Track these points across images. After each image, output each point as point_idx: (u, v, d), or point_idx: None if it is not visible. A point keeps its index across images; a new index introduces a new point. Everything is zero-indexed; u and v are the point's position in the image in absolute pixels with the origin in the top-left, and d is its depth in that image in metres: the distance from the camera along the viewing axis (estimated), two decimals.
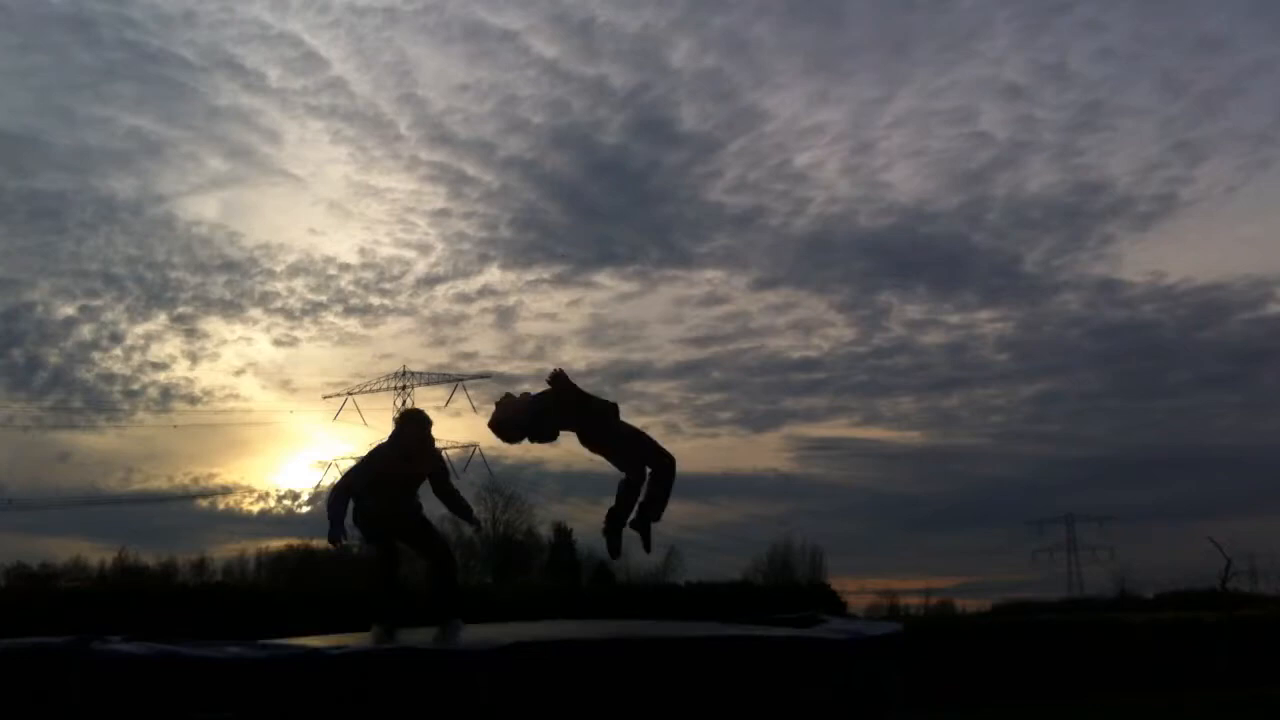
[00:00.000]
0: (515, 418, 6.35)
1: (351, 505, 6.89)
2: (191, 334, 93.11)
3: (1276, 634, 16.35)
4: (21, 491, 63.57)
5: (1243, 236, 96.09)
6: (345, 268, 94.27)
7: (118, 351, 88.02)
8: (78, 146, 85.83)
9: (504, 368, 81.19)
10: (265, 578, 47.01)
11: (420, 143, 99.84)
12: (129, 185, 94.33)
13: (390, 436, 7.21)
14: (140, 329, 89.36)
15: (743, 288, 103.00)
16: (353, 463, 7.58)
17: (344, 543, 7.00)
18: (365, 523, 6.95)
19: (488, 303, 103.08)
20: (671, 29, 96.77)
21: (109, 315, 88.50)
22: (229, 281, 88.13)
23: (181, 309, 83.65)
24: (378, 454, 7.10)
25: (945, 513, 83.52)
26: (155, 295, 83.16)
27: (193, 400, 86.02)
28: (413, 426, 7.17)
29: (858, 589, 57.23)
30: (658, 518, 6.31)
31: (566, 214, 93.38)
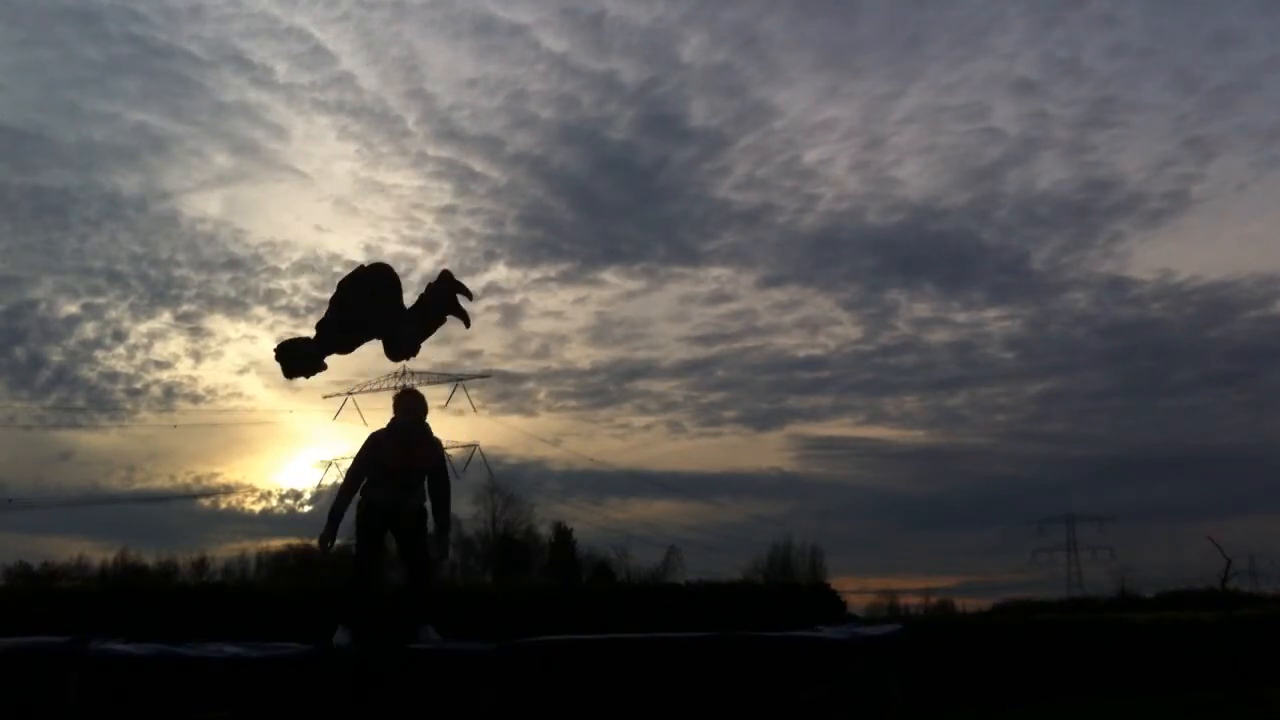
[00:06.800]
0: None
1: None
2: (195, 332, 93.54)
3: (1276, 634, 16.33)
4: (23, 491, 63.73)
5: (1252, 233, 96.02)
6: (351, 265, 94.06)
7: (121, 350, 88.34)
8: (82, 142, 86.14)
9: (509, 366, 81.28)
10: (265, 577, 47.08)
11: (428, 138, 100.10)
12: (134, 181, 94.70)
13: (389, 423, 6.79)
14: (144, 327, 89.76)
15: (749, 285, 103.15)
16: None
17: (332, 546, 6.73)
18: (368, 515, 6.62)
19: (493, 300, 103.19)
20: (682, 23, 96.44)
21: (112, 313, 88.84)
22: (233, 279, 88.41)
23: (185, 307, 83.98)
24: (377, 444, 6.72)
25: (946, 512, 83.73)
26: (159, 293, 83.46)
27: (195, 399, 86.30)
28: (407, 412, 6.78)
29: (858, 589, 57.38)
30: None
31: (573, 211, 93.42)
